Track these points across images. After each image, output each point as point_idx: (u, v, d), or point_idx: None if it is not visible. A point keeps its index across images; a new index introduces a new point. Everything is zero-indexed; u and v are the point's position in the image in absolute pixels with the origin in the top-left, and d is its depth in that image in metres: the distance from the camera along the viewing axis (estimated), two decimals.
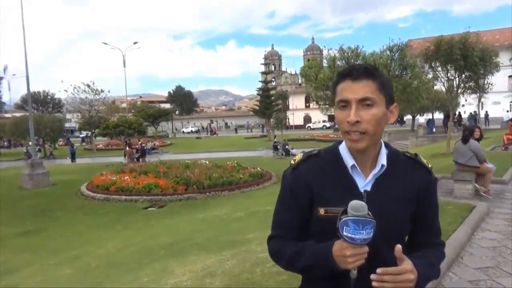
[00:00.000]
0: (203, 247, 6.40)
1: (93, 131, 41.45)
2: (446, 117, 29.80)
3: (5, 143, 50.73)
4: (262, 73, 69.00)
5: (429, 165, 1.35)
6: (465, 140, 6.94)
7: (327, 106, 9.05)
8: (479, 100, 29.07)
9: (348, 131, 1.21)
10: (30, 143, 24.13)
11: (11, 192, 17.70)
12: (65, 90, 38.91)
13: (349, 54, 8.06)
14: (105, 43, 43.16)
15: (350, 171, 1.27)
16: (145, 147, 31.77)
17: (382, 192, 1.26)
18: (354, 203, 1.11)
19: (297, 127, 65.99)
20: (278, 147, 29.48)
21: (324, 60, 8.17)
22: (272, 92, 49.74)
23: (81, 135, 57.60)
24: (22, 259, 9.03)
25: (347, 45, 8.42)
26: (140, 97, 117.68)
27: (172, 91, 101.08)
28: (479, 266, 4.05)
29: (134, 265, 6.28)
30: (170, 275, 4.76)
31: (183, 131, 73.40)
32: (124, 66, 42.50)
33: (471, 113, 36.14)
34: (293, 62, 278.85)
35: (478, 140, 7.37)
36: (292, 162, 1.38)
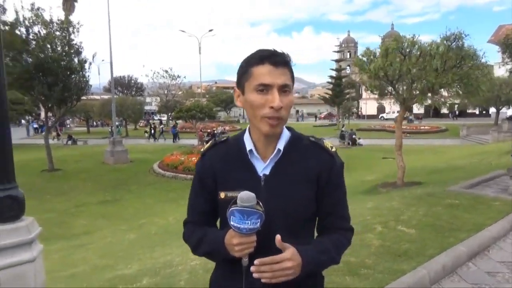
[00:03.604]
0: None
1: (169, 114, 44.07)
2: None
3: (94, 123, 56.00)
4: (335, 60, 67.68)
5: (333, 149, 1.34)
6: None
7: (380, 96, 8.98)
8: None
9: (269, 117, 1.20)
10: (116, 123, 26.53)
11: (95, 166, 19.80)
12: (146, 75, 41.91)
13: (405, 44, 7.93)
14: (182, 31, 45.28)
15: (249, 156, 1.29)
16: (215, 131, 33.29)
17: (281, 176, 1.27)
18: (243, 194, 1.13)
19: (370, 116, 63.84)
20: (345, 136, 29.02)
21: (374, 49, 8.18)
22: (344, 80, 48.61)
23: (156, 118, 61.70)
24: (98, 223, 10.38)
25: (410, 34, 8.29)
26: (216, 82, 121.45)
27: None
28: (503, 260, 4.03)
29: None
30: None
31: None
32: (200, 53, 44.26)
33: None
34: None
35: None
36: (202, 149, 1.41)
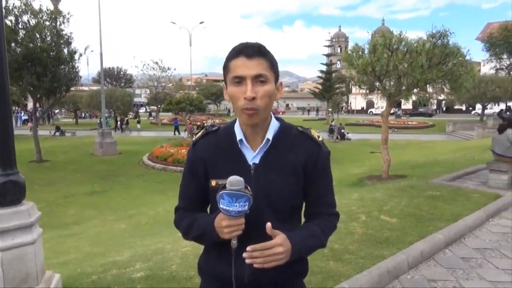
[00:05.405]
0: None
1: (158, 106, 43.91)
2: None
3: (83, 114, 55.50)
4: (326, 55, 68.02)
5: (320, 139, 1.40)
6: (500, 130, 6.84)
7: (368, 91, 9.21)
8: None
9: (245, 108, 1.25)
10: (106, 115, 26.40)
11: (84, 158, 19.77)
12: (136, 67, 41.61)
13: (392, 41, 8.13)
14: (173, 23, 44.97)
15: (239, 145, 1.34)
16: (205, 124, 33.41)
17: (270, 165, 1.32)
18: (232, 178, 1.19)
19: (359, 111, 64.50)
20: (334, 130, 29.34)
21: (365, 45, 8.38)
22: (334, 75, 48.89)
23: (147, 110, 61.67)
24: (88, 213, 10.46)
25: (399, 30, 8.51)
26: (206, 75, 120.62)
27: None
28: (477, 247, 4.28)
29: None
30: None
31: None
32: (190, 45, 44.06)
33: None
34: None
35: None
36: (193, 138, 1.46)
